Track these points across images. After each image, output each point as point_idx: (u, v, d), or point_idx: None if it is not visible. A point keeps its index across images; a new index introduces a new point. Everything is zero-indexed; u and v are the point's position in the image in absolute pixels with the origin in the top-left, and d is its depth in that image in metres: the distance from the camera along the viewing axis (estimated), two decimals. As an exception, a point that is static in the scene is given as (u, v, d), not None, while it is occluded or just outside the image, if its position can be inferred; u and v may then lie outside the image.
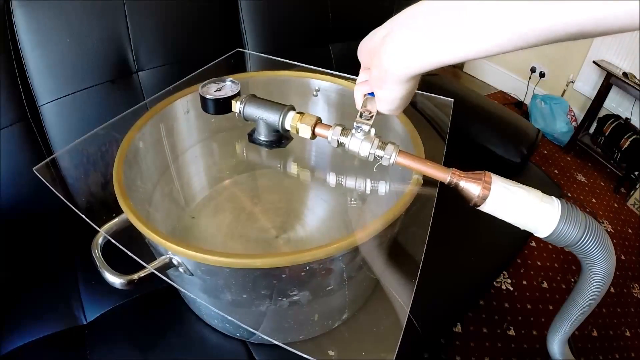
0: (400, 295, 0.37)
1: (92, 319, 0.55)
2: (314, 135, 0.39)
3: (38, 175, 0.41)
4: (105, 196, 0.43)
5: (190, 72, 0.56)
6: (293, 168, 0.72)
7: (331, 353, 0.53)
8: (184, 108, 0.59)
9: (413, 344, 0.62)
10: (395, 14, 0.29)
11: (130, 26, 0.66)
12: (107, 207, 0.41)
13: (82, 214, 0.36)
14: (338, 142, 0.37)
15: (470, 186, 0.34)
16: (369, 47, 0.29)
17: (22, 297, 0.57)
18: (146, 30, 0.68)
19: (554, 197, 0.35)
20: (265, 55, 0.81)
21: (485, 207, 0.35)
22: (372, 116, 0.36)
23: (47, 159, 0.45)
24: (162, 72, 0.72)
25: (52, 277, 0.60)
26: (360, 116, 0.37)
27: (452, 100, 0.57)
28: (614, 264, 0.38)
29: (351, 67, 0.57)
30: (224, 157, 0.70)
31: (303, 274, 0.33)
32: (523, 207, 0.34)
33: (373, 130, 0.36)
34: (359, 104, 0.37)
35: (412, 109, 0.56)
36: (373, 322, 0.55)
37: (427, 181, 0.41)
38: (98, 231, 0.38)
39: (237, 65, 0.82)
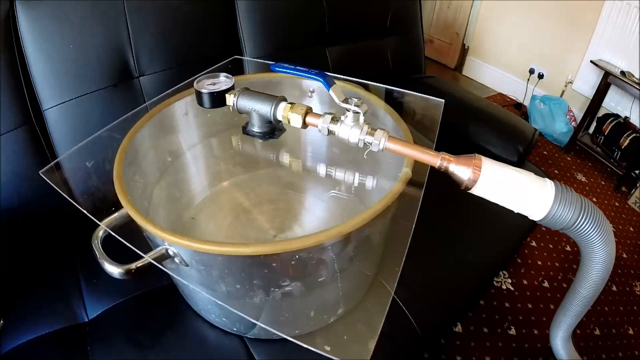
0: (387, 281, 0.37)
1: (93, 316, 0.57)
2: (305, 125, 0.40)
3: (45, 178, 0.43)
4: (106, 196, 0.45)
5: (190, 76, 0.58)
6: (291, 170, 0.74)
7: (327, 348, 0.54)
8: (182, 110, 0.60)
9: (412, 343, 0.62)
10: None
11: (132, 32, 0.68)
12: (108, 207, 0.43)
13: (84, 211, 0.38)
14: (328, 130, 0.39)
15: (460, 169, 0.34)
16: None
17: (24, 295, 0.59)
18: (147, 37, 0.70)
19: (547, 179, 0.35)
20: (262, 61, 0.83)
21: (476, 190, 0.35)
22: (361, 102, 0.37)
23: (52, 163, 0.47)
24: (162, 76, 0.74)
25: (54, 275, 0.61)
26: (347, 102, 0.37)
27: (443, 100, 0.58)
28: (614, 247, 0.38)
29: (347, 70, 0.59)
30: (223, 159, 0.72)
31: (293, 263, 0.34)
32: (515, 188, 0.34)
33: (362, 117, 0.37)
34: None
35: (403, 109, 0.57)
36: (368, 319, 0.56)
37: (414, 178, 0.42)
38: (98, 227, 0.40)
39: (234, 71, 0.84)
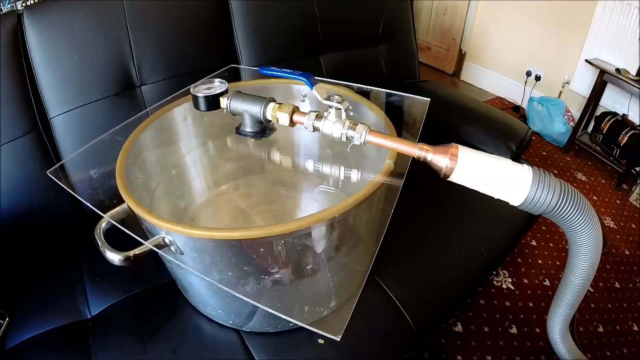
0: (365, 264, 0.39)
1: (96, 312, 0.59)
2: (292, 123, 0.43)
3: (51, 176, 0.46)
4: (108, 194, 0.47)
5: (189, 85, 0.62)
6: (286, 171, 0.76)
7: (320, 341, 0.55)
8: (181, 116, 0.64)
9: (406, 340, 0.63)
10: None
11: (133, 44, 0.72)
12: (109, 203, 0.46)
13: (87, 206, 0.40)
14: (313, 126, 0.41)
15: (438, 158, 0.36)
16: None
17: (30, 293, 0.61)
18: (147, 48, 0.74)
19: (525, 165, 0.36)
20: (255, 68, 0.87)
21: (455, 177, 0.36)
22: (342, 99, 0.40)
23: (58, 164, 0.50)
24: (162, 85, 0.78)
25: (58, 274, 0.64)
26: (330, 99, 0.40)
27: (429, 99, 0.60)
28: (600, 232, 0.38)
29: (341, 78, 0.62)
30: (221, 162, 0.74)
31: (279, 248, 0.36)
32: (492, 174, 0.35)
33: (344, 113, 0.40)
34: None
35: (391, 110, 0.59)
36: (362, 312, 0.57)
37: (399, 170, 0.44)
38: (101, 219, 0.42)
39: (231, 79, 0.87)
